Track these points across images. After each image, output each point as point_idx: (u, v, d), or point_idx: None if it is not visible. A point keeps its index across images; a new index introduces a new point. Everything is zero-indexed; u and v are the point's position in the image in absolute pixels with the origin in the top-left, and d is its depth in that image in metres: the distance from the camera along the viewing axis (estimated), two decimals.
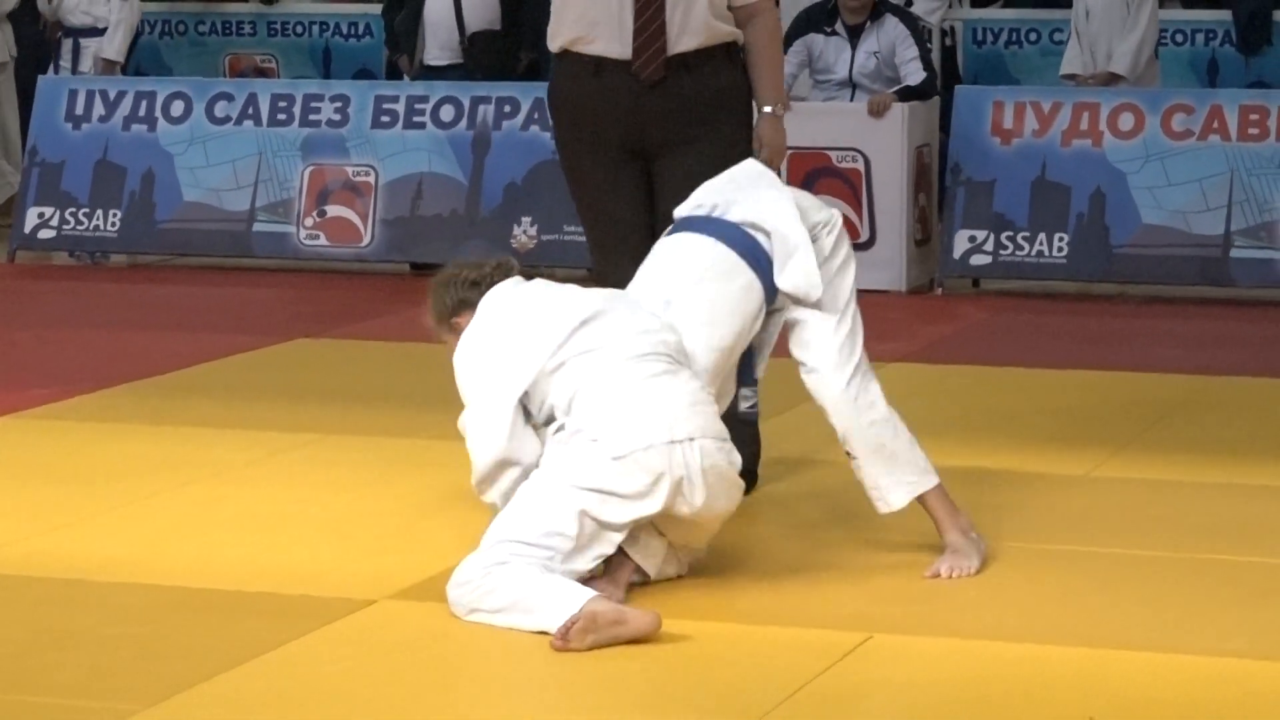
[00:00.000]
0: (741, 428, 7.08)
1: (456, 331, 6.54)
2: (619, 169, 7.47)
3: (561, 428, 6.33)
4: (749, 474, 7.40)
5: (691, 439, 6.32)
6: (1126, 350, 10.57)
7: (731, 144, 7.26)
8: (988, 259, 12.13)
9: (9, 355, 10.46)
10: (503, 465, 6.39)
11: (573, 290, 6.58)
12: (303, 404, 9.18)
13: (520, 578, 6.10)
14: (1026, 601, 6.49)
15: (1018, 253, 12.08)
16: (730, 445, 6.42)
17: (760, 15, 7.48)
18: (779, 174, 7.33)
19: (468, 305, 6.56)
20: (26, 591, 6.53)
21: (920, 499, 6.79)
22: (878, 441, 6.80)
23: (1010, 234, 12.10)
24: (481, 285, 6.56)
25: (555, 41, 7.56)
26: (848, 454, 6.85)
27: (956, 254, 12.15)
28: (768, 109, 7.48)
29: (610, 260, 7.46)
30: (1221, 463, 8.17)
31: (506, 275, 6.60)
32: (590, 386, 6.31)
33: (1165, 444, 8.48)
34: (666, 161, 7.38)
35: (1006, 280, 12.31)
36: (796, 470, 8.06)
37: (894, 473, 6.77)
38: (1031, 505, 7.60)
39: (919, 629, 6.22)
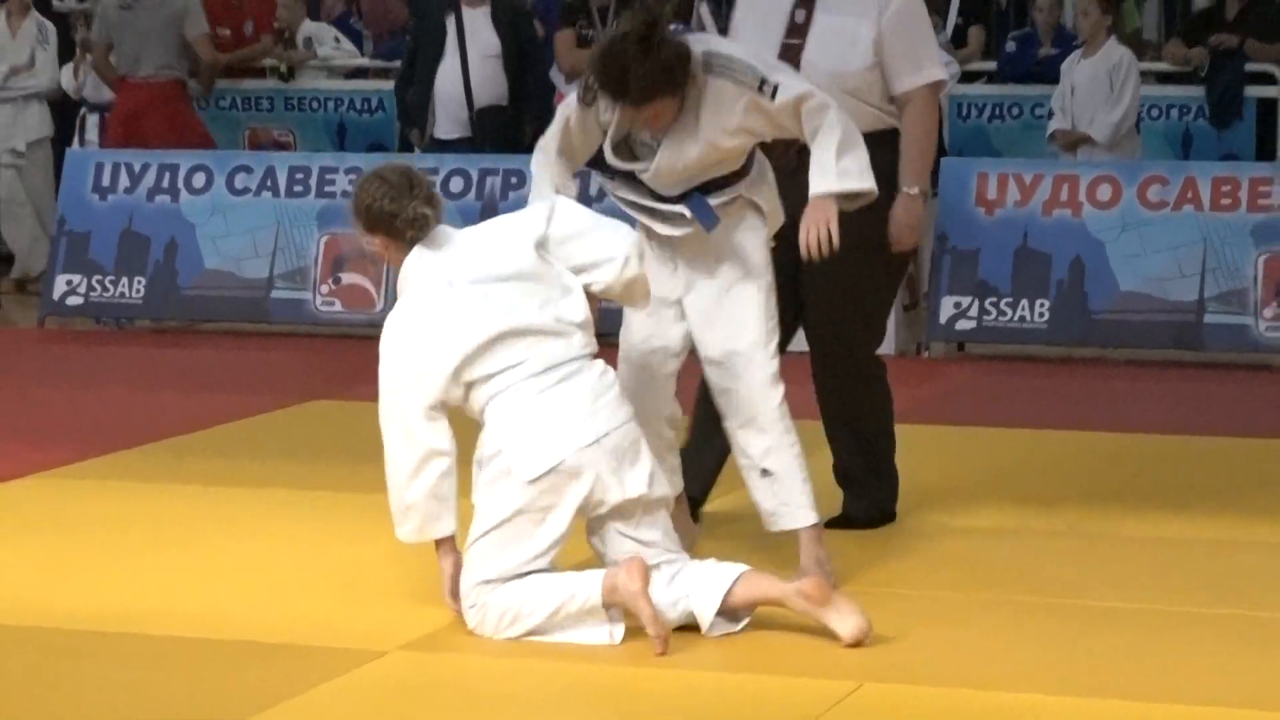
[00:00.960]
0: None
1: (370, 243, 6.75)
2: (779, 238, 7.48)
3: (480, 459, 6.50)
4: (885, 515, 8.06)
5: (597, 440, 6.42)
6: (1105, 411, 10.57)
7: (865, 217, 7.18)
8: (973, 324, 12.14)
9: (37, 415, 10.47)
10: (425, 459, 6.49)
11: (476, 297, 6.52)
12: (316, 463, 9.19)
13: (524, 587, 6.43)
14: (1015, 652, 6.47)
15: (1001, 318, 12.09)
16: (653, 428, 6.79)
17: (911, 103, 7.65)
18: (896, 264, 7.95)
19: (378, 229, 6.66)
20: (44, 641, 6.53)
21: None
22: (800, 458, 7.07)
23: (994, 300, 12.12)
24: (397, 221, 6.61)
25: None
26: (764, 471, 7.00)
27: (943, 319, 12.17)
28: (904, 189, 7.63)
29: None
30: (1198, 519, 8.17)
31: (421, 230, 6.63)
32: (496, 413, 6.44)
33: (1143, 501, 8.48)
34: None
35: (990, 344, 12.34)
36: None
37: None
38: (1015, 559, 7.60)
39: (909, 678, 6.19)
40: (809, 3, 7.64)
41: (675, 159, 6.88)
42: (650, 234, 7.04)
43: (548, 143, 7.07)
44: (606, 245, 6.67)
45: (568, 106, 7.07)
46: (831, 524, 7.68)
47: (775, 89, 6.78)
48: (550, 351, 6.48)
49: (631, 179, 6.96)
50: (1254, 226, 11.82)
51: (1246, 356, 11.90)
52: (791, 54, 7.53)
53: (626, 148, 6.95)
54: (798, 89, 6.85)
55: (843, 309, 7.84)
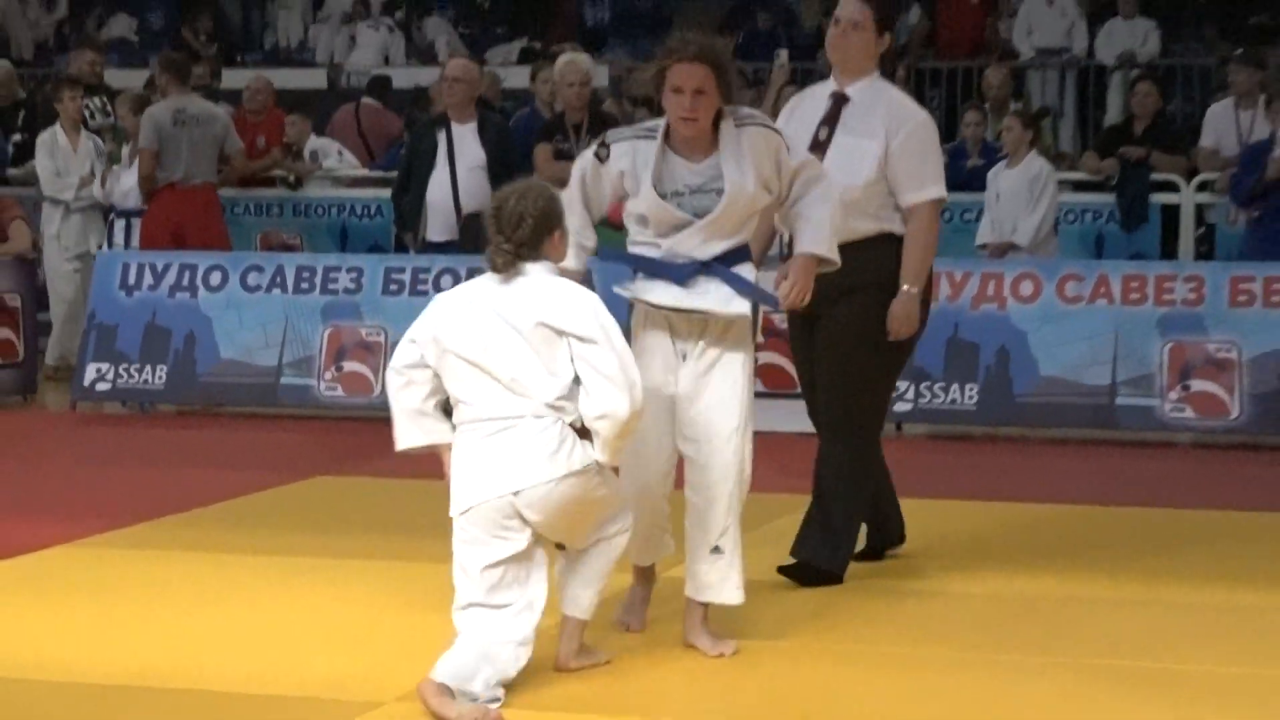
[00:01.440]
0: None
1: None
2: (801, 322, 8.16)
3: None
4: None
5: (517, 491, 6.44)
6: (1028, 484, 10.57)
7: (864, 309, 7.82)
8: (909, 405, 12.17)
9: (68, 490, 10.47)
10: (406, 383, 6.65)
11: (493, 323, 6.59)
12: (321, 534, 9.18)
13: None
14: (922, 701, 6.48)
15: (934, 400, 12.13)
16: (573, 477, 6.51)
17: (915, 215, 7.98)
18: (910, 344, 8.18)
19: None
20: (76, 695, 6.52)
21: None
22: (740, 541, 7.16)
23: (928, 384, 12.16)
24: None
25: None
26: (716, 548, 7.04)
27: None
28: (904, 287, 7.92)
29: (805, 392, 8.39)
30: (1110, 580, 8.20)
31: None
32: (455, 448, 6.58)
33: (1063, 565, 8.49)
34: (822, 319, 7.91)
35: (925, 424, 12.38)
36: (745, 526, 8.12)
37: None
38: (945, 617, 7.61)
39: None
40: (832, 123, 8.03)
41: (739, 191, 6.94)
42: (650, 314, 7.19)
43: (572, 196, 7.10)
44: (601, 394, 6.51)
45: (584, 161, 7.17)
46: (782, 569, 8.14)
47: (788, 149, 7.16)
48: (502, 404, 6.51)
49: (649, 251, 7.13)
50: (1160, 319, 11.88)
51: (1154, 435, 11.96)
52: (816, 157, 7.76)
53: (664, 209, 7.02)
54: (805, 155, 7.28)
55: (847, 391, 8.07)
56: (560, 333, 6.55)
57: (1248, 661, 6.97)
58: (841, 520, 8.16)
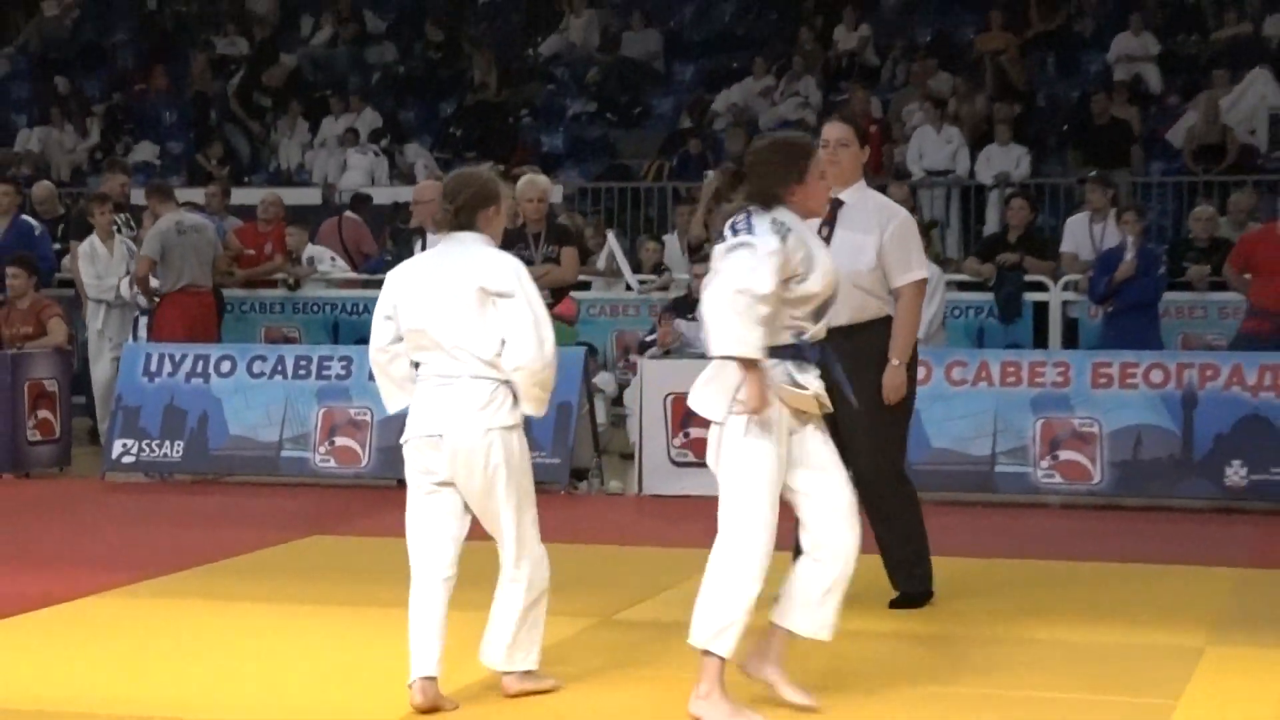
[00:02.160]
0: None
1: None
2: None
3: None
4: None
5: (442, 434, 6.61)
6: None
7: (868, 386, 7.92)
8: None
9: (99, 548, 10.45)
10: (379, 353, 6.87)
11: (437, 287, 6.70)
12: (316, 582, 9.17)
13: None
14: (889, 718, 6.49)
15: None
16: (496, 432, 6.61)
17: (901, 295, 8.21)
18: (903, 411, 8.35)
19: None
20: None
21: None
22: None
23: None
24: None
25: None
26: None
27: None
28: (892, 361, 8.15)
29: None
30: (991, 620, 8.22)
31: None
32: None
33: (950, 609, 8.51)
34: (833, 396, 7.60)
35: None
36: (674, 584, 8.14)
37: None
38: (852, 655, 7.62)
39: None
40: (831, 224, 8.17)
41: None
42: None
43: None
44: (515, 347, 6.59)
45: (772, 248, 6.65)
46: (893, 604, 8.38)
47: None
48: (446, 365, 6.64)
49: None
50: (1032, 398, 11.93)
51: (1027, 497, 11.99)
52: None
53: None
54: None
55: (879, 449, 8.25)
56: (490, 294, 6.64)
57: (1112, 691, 7.00)
58: (917, 549, 8.50)
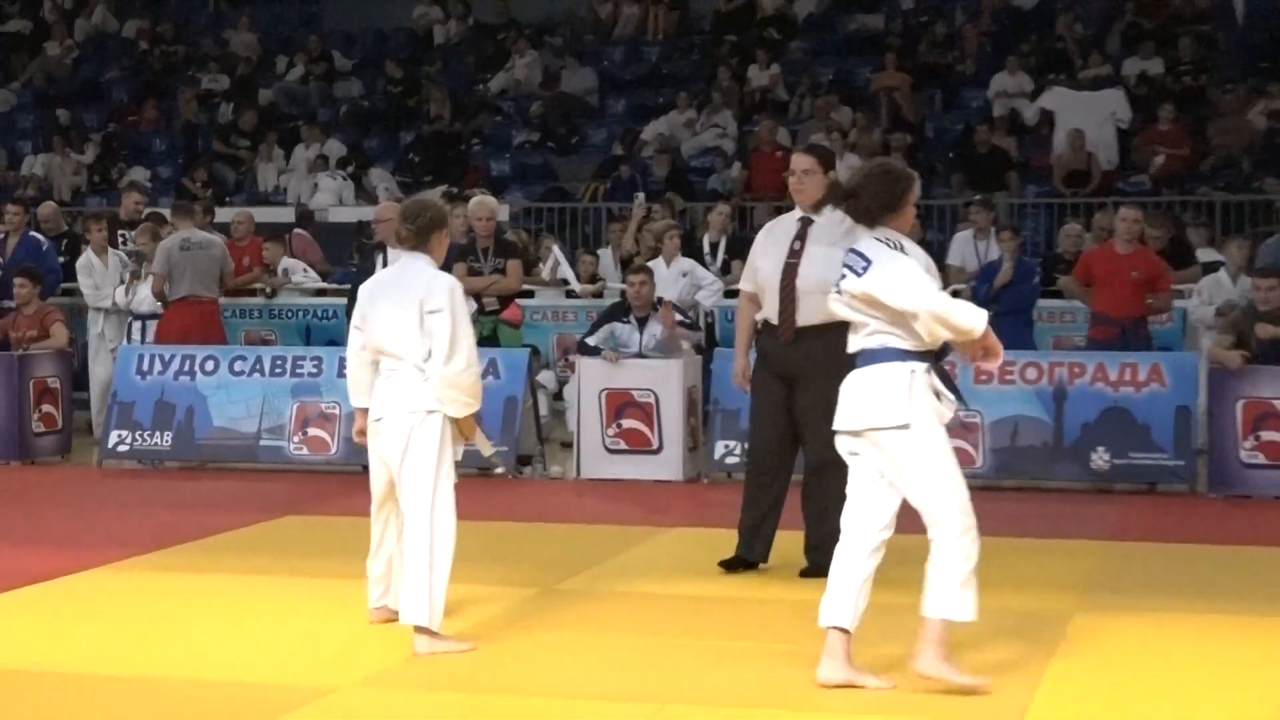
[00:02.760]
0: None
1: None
2: (777, 384, 8.38)
3: None
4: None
5: (379, 419, 7.00)
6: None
7: (831, 383, 7.39)
8: (737, 459, 11.99)
9: (97, 529, 10.37)
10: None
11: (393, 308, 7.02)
12: (290, 558, 9.12)
13: None
14: (788, 679, 6.47)
15: (744, 456, 12.02)
16: (408, 414, 6.92)
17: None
18: None
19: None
20: (103, 685, 6.44)
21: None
22: None
23: (741, 442, 12.13)
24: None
25: (760, 315, 8.51)
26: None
27: (716, 456, 12.19)
28: None
29: (759, 435, 8.62)
30: (893, 590, 8.21)
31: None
32: None
33: None
34: (802, 385, 8.23)
35: (738, 473, 12.31)
36: (609, 556, 8.15)
37: None
38: (760, 619, 7.61)
39: (709, 700, 6.16)
40: (804, 238, 8.29)
41: None
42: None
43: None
44: (436, 355, 6.89)
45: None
46: (804, 573, 8.35)
47: None
48: (390, 365, 7.03)
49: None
50: None
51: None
52: (792, 268, 8.27)
53: None
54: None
55: (821, 435, 7.92)
56: (426, 311, 6.91)
57: (995, 650, 7.00)
58: (837, 529, 8.16)
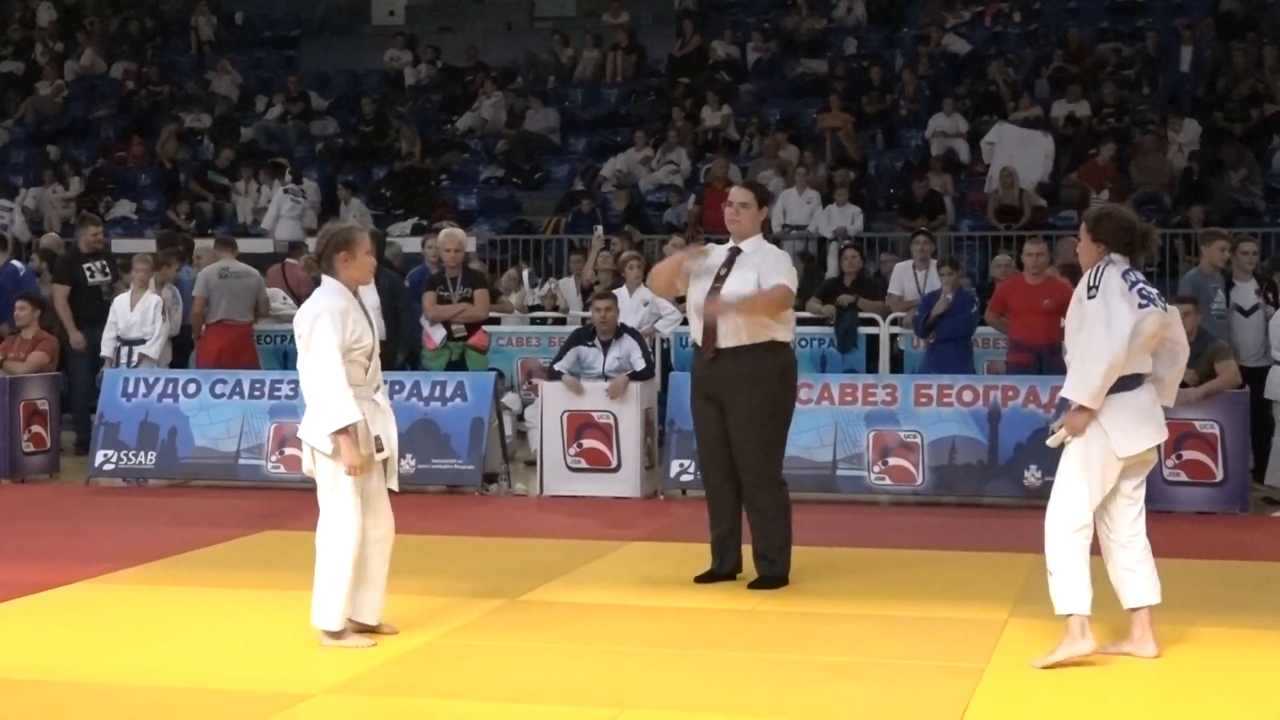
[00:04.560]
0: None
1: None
2: (706, 404, 8.48)
3: None
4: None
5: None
6: None
7: (751, 401, 8.26)
8: (691, 476, 12.04)
9: (84, 544, 10.27)
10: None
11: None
12: (268, 571, 9.04)
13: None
14: (743, 684, 6.45)
15: (698, 473, 12.05)
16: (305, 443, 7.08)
17: (776, 286, 8.31)
18: (782, 421, 8.57)
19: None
20: (89, 693, 6.37)
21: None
22: None
23: (694, 461, 12.10)
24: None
25: (692, 337, 8.64)
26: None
27: (672, 474, 12.17)
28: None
29: (701, 454, 8.73)
30: (830, 599, 8.23)
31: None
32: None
33: (799, 591, 8.50)
34: (728, 404, 8.36)
35: (702, 491, 12.26)
36: (571, 569, 8.15)
37: None
38: (714, 627, 7.59)
39: (667, 705, 6.14)
40: (730, 266, 8.43)
41: None
42: None
43: None
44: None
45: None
46: (752, 585, 8.41)
47: None
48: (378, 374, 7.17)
49: None
50: (866, 414, 11.96)
51: (862, 497, 12.01)
52: (715, 292, 8.35)
53: None
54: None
55: (765, 453, 8.49)
56: (297, 335, 7.05)
57: (933, 657, 7.01)
58: (780, 543, 8.49)
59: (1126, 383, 6.67)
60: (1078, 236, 6.99)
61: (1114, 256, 6.73)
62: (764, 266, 8.37)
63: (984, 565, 9.29)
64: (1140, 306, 6.59)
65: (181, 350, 14.82)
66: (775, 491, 8.53)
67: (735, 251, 8.50)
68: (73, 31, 27.09)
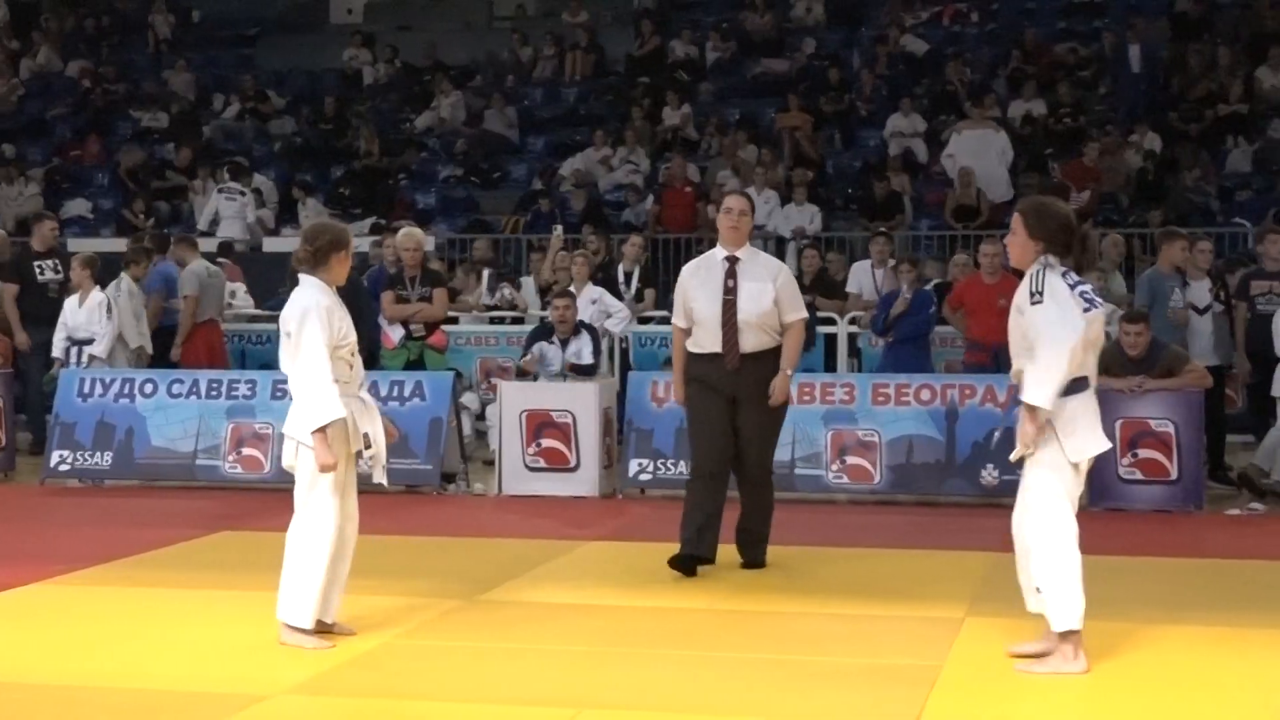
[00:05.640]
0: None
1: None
2: (724, 404, 8.79)
3: None
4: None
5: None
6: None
7: (765, 406, 8.78)
8: (649, 476, 12.16)
9: (40, 545, 10.20)
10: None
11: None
12: (225, 572, 9.01)
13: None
14: (696, 684, 6.45)
15: (667, 473, 12.12)
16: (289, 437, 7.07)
17: (791, 328, 8.87)
18: (781, 419, 9.05)
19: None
20: (42, 695, 6.33)
21: None
22: None
23: (662, 460, 12.15)
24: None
25: (691, 347, 8.90)
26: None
27: (630, 473, 12.18)
28: (785, 370, 8.82)
29: (709, 450, 8.86)
30: (789, 597, 8.24)
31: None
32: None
33: (761, 587, 8.51)
34: (744, 405, 8.77)
35: (660, 489, 12.31)
36: (529, 569, 8.14)
37: None
38: (672, 627, 7.59)
39: (625, 704, 6.14)
40: (734, 276, 8.78)
41: None
42: None
43: None
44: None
45: None
46: (745, 565, 8.99)
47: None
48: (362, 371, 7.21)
49: None
50: (824, 413, 11.99)
51: (821, 495, 12.02)
52: (730, 304, 8.75)
53: None
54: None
55: (767, 450, 9.05)
56: (285, 333, 7.04)
57: (891, 655, 7.02)
58: (767, 529, 9.07)
59: (1076, 386, 6.58)
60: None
61: (1050, 259, 6.58)
62: (779, 286, 8.79)
63: (941, 564, 9.33)
64: (1085, 311, 6.54)
65: (159, 349, 14.68)
66: (771, 482, 9.16)
67: (734, 260, 8.83)
68: (28, 29, 26.93)
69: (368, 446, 7.02)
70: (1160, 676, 6.60)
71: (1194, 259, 12.76)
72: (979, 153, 19.77)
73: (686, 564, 8.71)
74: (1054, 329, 6.43)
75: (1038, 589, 6.58)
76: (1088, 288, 6.63)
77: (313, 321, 6.87)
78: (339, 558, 7.03)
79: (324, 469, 6.82)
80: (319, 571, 6.94)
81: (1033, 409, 6.52)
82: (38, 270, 14.95)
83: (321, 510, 6.93)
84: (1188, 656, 6.95)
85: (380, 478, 7.19)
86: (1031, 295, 6.52)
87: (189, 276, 14.60)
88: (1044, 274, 6.54)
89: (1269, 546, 9.96)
